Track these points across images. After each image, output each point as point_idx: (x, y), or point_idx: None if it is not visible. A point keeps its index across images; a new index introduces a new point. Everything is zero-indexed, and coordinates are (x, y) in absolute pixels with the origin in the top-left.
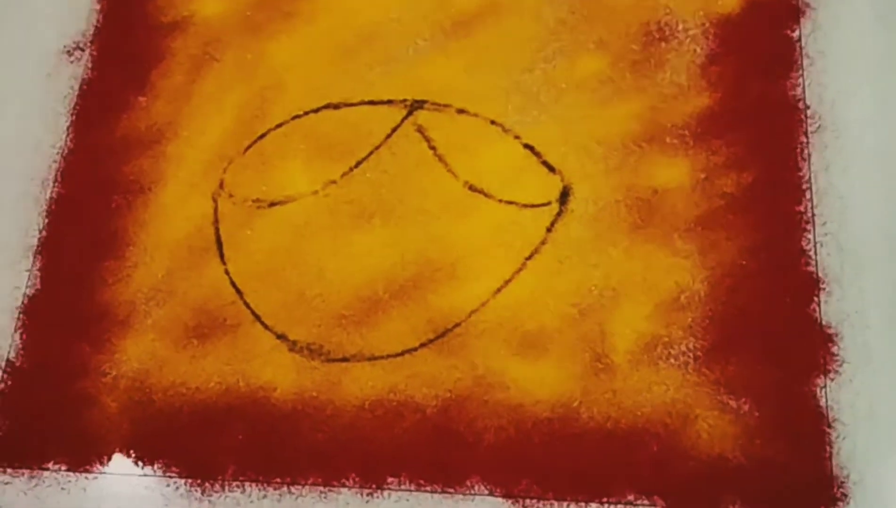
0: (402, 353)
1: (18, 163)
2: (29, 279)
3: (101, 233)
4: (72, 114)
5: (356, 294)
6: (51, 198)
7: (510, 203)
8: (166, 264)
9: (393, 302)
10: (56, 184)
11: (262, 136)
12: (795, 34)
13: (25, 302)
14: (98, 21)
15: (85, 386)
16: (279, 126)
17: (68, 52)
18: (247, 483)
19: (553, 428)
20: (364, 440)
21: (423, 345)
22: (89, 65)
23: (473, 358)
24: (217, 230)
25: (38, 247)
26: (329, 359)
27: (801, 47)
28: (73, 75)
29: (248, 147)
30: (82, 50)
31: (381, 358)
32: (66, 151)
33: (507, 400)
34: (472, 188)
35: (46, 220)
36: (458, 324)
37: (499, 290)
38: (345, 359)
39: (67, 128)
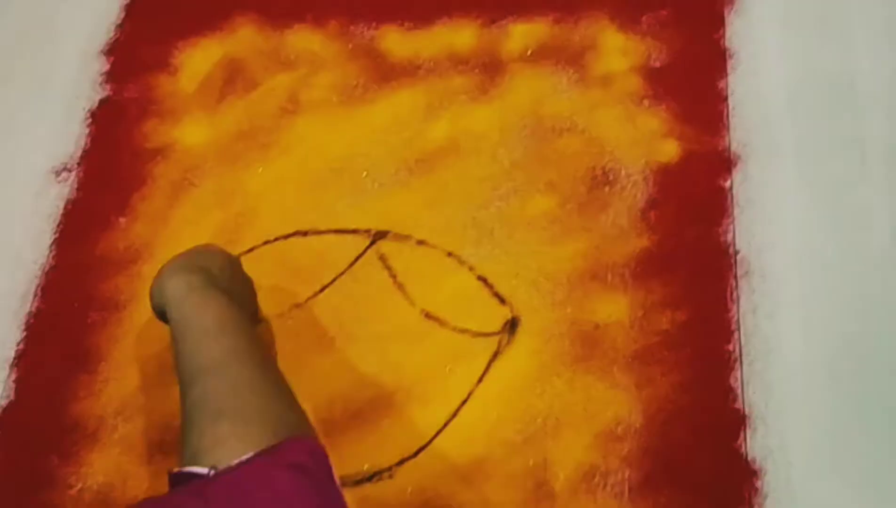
0: (356, 476)
1: (1, 277)
2: (3, 390)
3: (77, 348)
4: (56, 233)
5: (315, 415)
6: (30, 312)
7: (463, 331)
8: (136, 380)
9: (350, 423)
10: (36, 298)
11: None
12: (727, 183)
13: (0, 412)
14: (86, 144)
15: (52, 497)
16: (251, 250)
17: (56, 172)
18: None
19: None
20: None
21: (375, 475)
22: (75, 185)
23: (423, 482)
24: None
25: (14, 359)
26: None
27: (732, 196)
28: (60, 195)
29: None
30: (69, 171)
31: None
32: (47, 268)
33: None
34: (428, 316)
35: (24, 334)
36: (409, 458)
37: (451, 418)
38: None
39: (51, 246)
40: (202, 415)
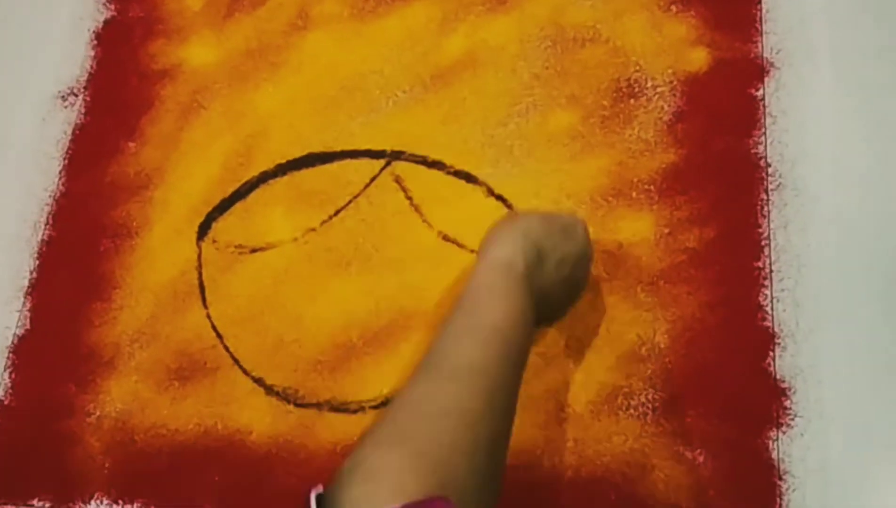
0: (374, 401)
1: (12, 205)
2: (19, 319)
3: (90, 275)
4: (64, 159)
5: (332, 340)
6: (42, 240)
7: None
8: (151, 307)
9: (367, 349)
10: (47, 226)
11: (247, 183)
12: (759, 93)
13: (15, 341)
14: (92, 67)
15: (70, 425)
16: (263, 173)
17: (62, 97)
18: None
19: (516, 476)
20: None
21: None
22: (82, 110)
23: None
24: (200, 275)
25: (28, 288)
26: (303, 404)
27: (764, 106)
28: (67, 120)
29: (233, 194)
30: (76, 95)
31: (355, 403)
32: (57, 195)
33: None
34: (445, 238)
35: (37, 262)
36: None
37: None
38: (318, 405)
39: (60, 173)
40: (388, 423)
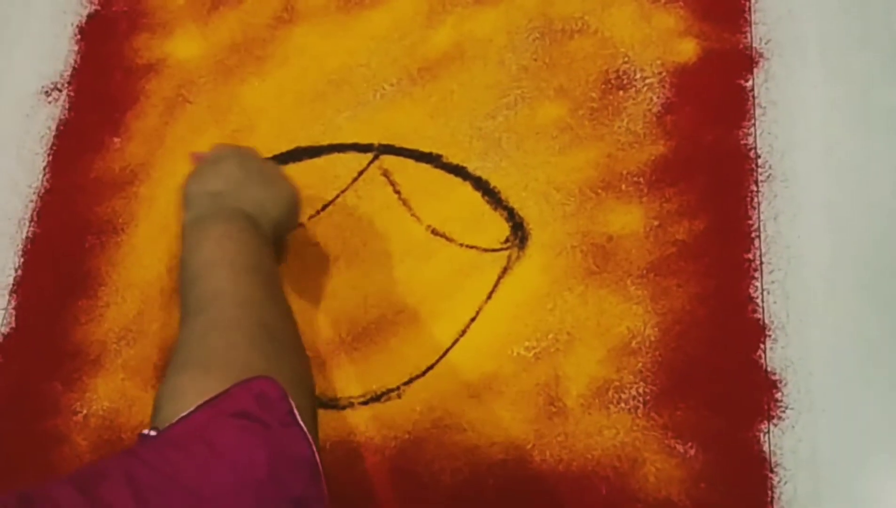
0: (363, 396)
1: None
2: (4, 318)
3: (75, 272)
4: (48, 155)
5: (320, 336)
6: (26, 237)
7: (471, 247)
8: (137, 304)
9: (356, 344)
10: (32, 223)
11: None
12: (749, 84)
13: (0, 340)
14: (76, 62)
15: (56, 424)
16: None
17: (46, 92)
18: None
19: (507, 470)
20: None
21: (384, 394)
22: (66, 105)
23: (432, 401)
24: None
25: (13, 285)
26: None
27: (753, 97)
28: (51, 116)
29: None
30: (60, 91)
31: (344, 399)
32: (42, 191)
33: (464, 441)
34: (434, 232)
35: (22, 259)
36: (417, 377)
37: (460, 336)
38: None
39: (44, 169)
40: (171, 365)
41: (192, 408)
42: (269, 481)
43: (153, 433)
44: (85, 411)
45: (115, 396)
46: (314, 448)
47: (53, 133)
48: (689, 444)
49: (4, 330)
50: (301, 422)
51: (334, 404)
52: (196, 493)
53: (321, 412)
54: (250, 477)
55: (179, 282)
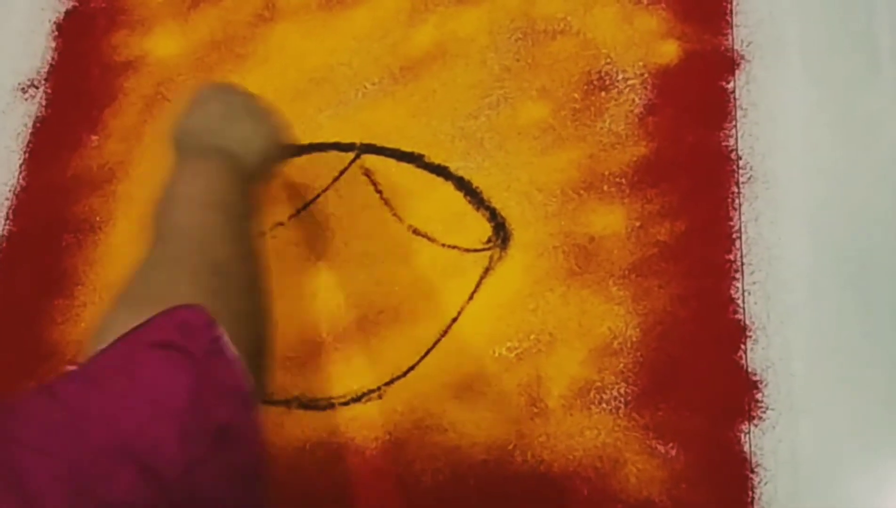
0: (344, 397)
1: None
2: None
3: (52, 271)
4: (25, 152)
5: (300, 336)
6: (2, 236)
7: (453, 247)
8: None
9: (337, 344)
10: (8, 222)
11: None
12: (730, 86)
13: None
14: (53, 59)
15: None
16: None
17: (23, 89)
18: None
19: (488, 471)
20: (304, 481)
21: (364, 395)
22: (43, 102)
23: (413, 401)
24: None
25: None
26: (272, 401)
27: (735, 99)
28: (28, 113)
29: None
30: (36, 87)
31: (324, 400)
32: (18, 189)
33: (445, 442)
34: (416, 232)
35: None
36: (398, 377)
37: (441, 336)
38: (287, 402)
39: (20, 166)
40: (111, 300)
41: (111, 342)
42: (190, 408)
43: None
44: None
45: None
46: (245, 377)
47: (30, 130)
48: (671, 445)
49: None
50: (230, 350)
51: (315, 404)
52: (112, 425)
53: (301, 412)
54: (170, 406)
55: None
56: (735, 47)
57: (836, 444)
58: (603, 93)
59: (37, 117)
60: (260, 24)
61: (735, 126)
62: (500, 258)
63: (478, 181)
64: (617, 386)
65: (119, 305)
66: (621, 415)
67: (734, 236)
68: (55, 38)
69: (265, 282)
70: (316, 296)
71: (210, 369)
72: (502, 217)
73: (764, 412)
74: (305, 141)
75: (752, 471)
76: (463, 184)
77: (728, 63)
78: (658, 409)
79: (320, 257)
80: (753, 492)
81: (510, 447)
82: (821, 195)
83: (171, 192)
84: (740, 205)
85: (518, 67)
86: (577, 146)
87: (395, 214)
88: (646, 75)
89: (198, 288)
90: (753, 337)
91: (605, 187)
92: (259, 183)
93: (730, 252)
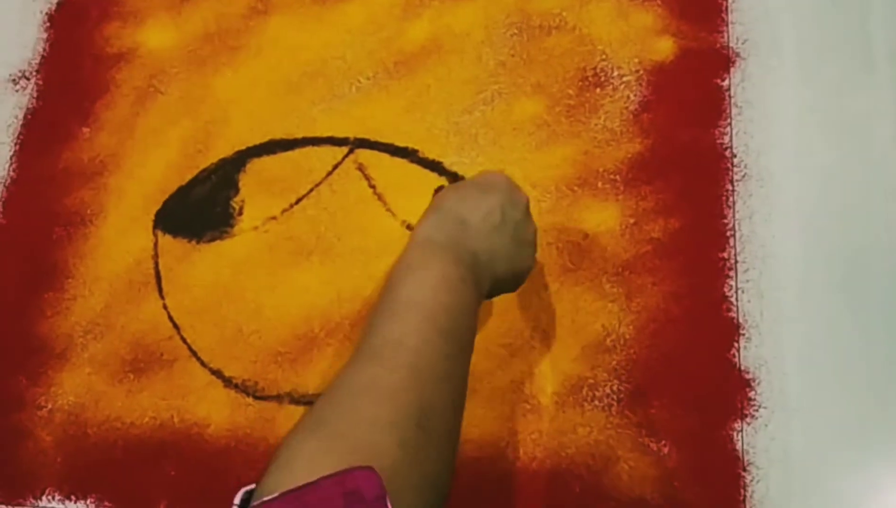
0: None
1: None
2: None
3: (42, 264)
4: (15, 144)
5: (292, 332)
6: None
7: None
8: (105, 297)
9: (329, 340)
10: None
11: (204, 171)
12: (725, 83)
13: None
14: (44, 50)
15: (20, 418)
16: (222, 160)
17: (13, 80)
18: None
19: (480, 468)
20: None
21: None
22: (34, 94)
23: None
24: (156, 264)
25: None
26: (263, 396)
27: (730, 96)
28: (18, 105)
29: (190, 181)
30: (28, 79)
31: (316, 396)
32: (8, 181)
33: None
34: (409, 227)
35: None
36: None
37: None
38: (279, 397)
39: (10, 158)
40: (307, 412)
41: (276, 495)
42: None
43: (249, 488)
44: (50, 405)
45: (81, 391)
46: None
47: (20, 122)
48: (663, 442)
49: None
50: None
51: (307, 400)
52: None
53: (292, 408)
54: None
55: (380, 291)
56: (730, 45)
57: (828, 442)
58: (598, 90)
59: (28, 109)
60: (253, 17)
61: (730, 123)
62: None
63: (472, 176)
64: (610, 384)
65: (313, 431)
66: (614, 413)
67: (728, 234)
68: (47, 29)
69: (459, 435)
70: (309, 291)
71: None
72: None
73: (756, 410)
74: (299, 134)
75: (745, 469)
76: (457, 180)
77: (723, 60)
78: (651, 407)
79: (313, 252)
80: (746, 490)
81: (502, 444)
82: (815, 193)
83: (410, 291)
84: (734, 202)
85: (513, 63)
86: (571, 142)
87: (388, 209)
88: (641, 72)
89: (395, 439)
90: (747, 335)
91: (600, 184)
92: (481, 303)
93: (723, 250)
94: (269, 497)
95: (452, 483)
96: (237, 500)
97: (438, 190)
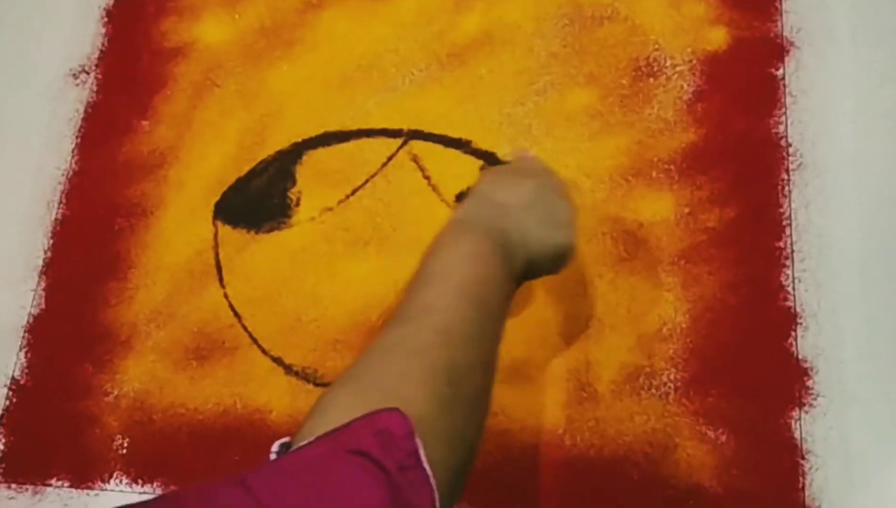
0: None
1: (25, 184)
2: (34, 299)
3: (105, 255)
4: (76, 137)
5: (351, 319)
6: (55, 219)
7: None
8: (167, 287)
9: None
10: (61, 205)
11: (262, 162)
12: (779, 72)
13: (31, 321)
14: (104, 45)
15: (87, 405)
16: (278, 152)
17: (74, 75)
18: None
19: (538, 455)
20: None
21: None
22: (94, 88)
23: None
24: (217, 254)
25: (43, 267)
26: (323, 383)
27: (784, 85)
28: (79, 99)
29: (248, 173)
30: (88, 73)
31: None
32: (70, 174)
33: (495, 425)
34: None
35: (51, 241)
36: None
37: None
38: None
39: (72, 151)
40: (347, 369)
41: (312, 439)
42: None
43: (285, 441)
44: (116, 392)
45: (145, 378)
46: (433, 500)
47: (81, 116)
48: (721, 430)
49: (35, 311)
50: (424, 469)
51: None
52: None
53: None
54: None
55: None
56: (784, 34)
57: (886, 431)
58: (651, 80)
59: (88, 102)
60: (308, 11)
61: (784, 113)
62: None
63: None
64: (667, 372)
65: (346, 384)
66: (671, 401)
67: (784, 223)
68: (105, 24)
69: (489, 398)
70: (366, 281)
71: (401, 487)
72: None
73: (814, 399)
74: (353, 127)
75: (803, 458)
76: None
77: (777, 49)
78: (708, 395)
79: (369, 242)
80: (804, 479)
81: (560, 431)
82: (871, 182)
83: (442, 263)
84: (790, 192)
85: (565, 54)
86: (625, 132)
87: (443, 200)
88: (694, 62)
89: (425, 392)
90: (804, 324)
91: (654, 173)
92: (519, 286)
93: (780, 239)
94: (305, 442)
95: (479, 447)
96: (274, 449)
97: (482, 169)
